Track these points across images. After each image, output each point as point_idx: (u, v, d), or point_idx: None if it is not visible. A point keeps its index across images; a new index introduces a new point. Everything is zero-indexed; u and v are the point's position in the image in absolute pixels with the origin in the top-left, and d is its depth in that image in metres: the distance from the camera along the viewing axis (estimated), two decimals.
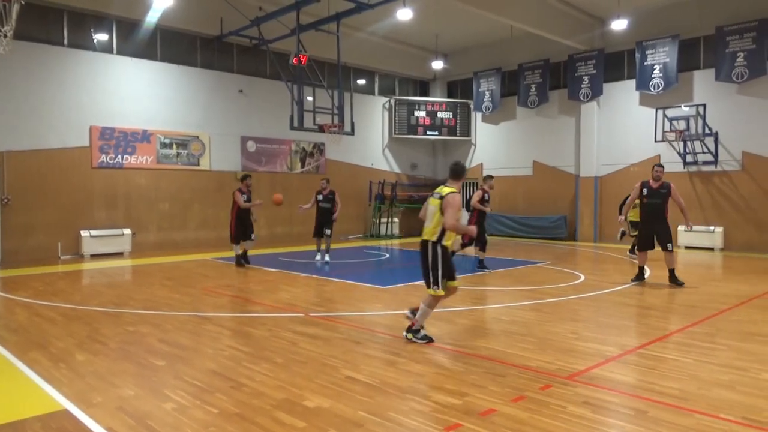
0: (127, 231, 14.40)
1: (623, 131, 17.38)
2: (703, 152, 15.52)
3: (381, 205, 19.81)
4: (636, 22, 16.18)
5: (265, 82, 17.34)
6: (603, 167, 17.87)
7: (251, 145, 17.13)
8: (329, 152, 18.88)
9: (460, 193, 5.83)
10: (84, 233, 13.68)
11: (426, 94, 22.58)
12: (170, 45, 15.57)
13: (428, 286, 5.83)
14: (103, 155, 14.21)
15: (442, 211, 5.65)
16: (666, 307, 7.92)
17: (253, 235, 11.85)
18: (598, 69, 17.54)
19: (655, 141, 15.70)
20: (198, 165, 15.99)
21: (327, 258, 12.32)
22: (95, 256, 13.58)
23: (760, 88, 14.76)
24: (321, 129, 14.60)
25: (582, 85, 17.90)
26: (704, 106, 15.09)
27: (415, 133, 20.98)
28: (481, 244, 11.45)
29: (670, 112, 15.46)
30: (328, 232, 12.28)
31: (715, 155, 15.42)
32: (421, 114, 20.91)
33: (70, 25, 13.89)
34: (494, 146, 20.66)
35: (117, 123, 14.44)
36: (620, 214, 11.01)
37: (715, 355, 5.41)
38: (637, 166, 17.01)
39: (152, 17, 14.53)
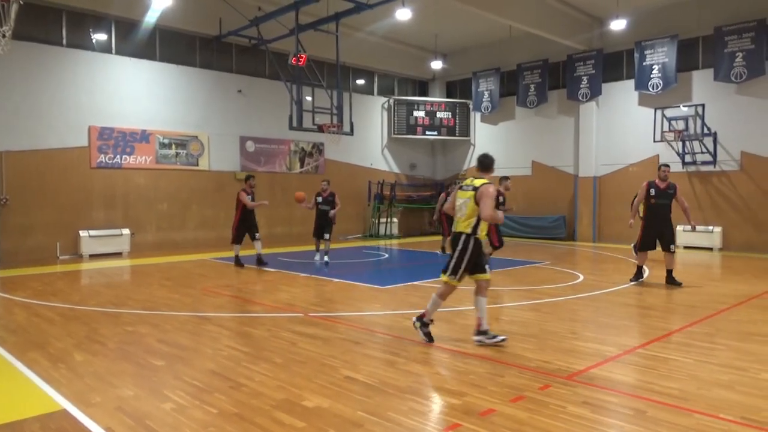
0: (126, 231, 14.39)
1: (622, 131, 17.39)
2: (702, 152, 15.54)
3: (380, 205, 19.81)
4: (635, 22, 16.19)
5: (264, 82, 17.33)
6: (602, 167, 17.88)
7: (250, 145, 17.11)
8: (328, 152, 18.87)
9: (493, 184, 5.74)
10: (83, 233, 13.67)
11: (425, 94, 22.58)
12: (169, 45, 15.56)
13: (444, 273, 5.76)
14: (102, 155, 14.20)
15: (476, 201, 5.59)
16: (665, 307, 7.92)
17: (257, 235, 11.84)
18: (597, 69, 17.55)
19: (654, 141, 15.71)
20: (197, 165, 15.97)
21: (326, 259, 12.31)
22: (94, 256, 13.57)
23: (759, 88, 14.78)
24: (320, 129, 14.59)
25: (581, 85, 17.91)
26: (703, 106, 15.08)
27: (414, 133, 20.97)
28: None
29: (669, 112, 15.45)
30: (327, 236, 12.27)
31: (714, 155, 15.43)
32: (420, 114, 20.90)
33: (69, 25, 13.88)
34: (493, 146, 20.56)
35: (116, 123, 14.43)
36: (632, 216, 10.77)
37: (714, 355, 5.41)
38: (635, 166, 17.02)
39: (151, 17, 14.52)
